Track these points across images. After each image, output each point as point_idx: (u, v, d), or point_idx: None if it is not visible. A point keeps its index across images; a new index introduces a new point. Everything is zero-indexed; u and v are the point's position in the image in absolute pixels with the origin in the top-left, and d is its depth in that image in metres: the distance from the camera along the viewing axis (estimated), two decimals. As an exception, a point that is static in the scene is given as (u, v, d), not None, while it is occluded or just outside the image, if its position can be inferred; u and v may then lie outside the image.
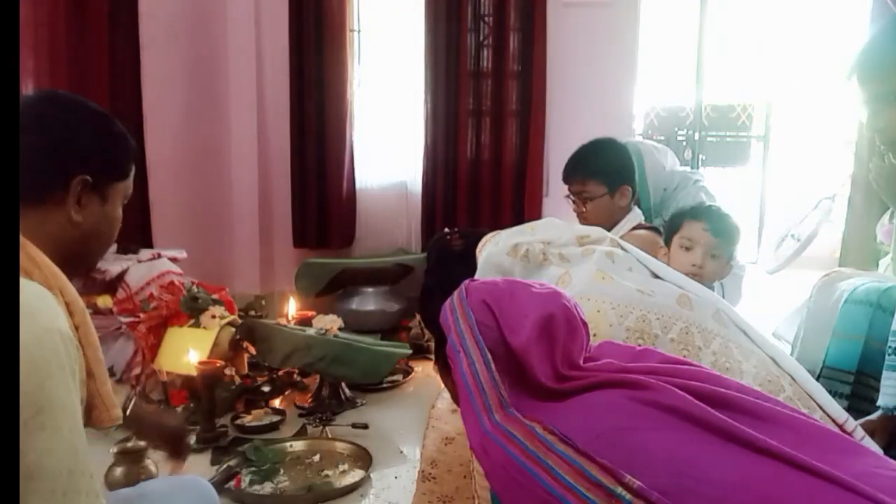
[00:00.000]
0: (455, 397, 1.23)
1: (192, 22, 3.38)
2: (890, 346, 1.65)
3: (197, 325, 2.45)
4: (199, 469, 1.94)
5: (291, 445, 2.09)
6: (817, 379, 1.74)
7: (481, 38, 3.40)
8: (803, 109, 5.79)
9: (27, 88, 2.77)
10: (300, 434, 2.19)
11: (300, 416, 2.33)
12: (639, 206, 2.37)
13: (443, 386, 1.40)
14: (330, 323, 2.47)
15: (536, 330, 1.07)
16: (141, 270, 2.66)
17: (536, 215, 3.29)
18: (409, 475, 1.93)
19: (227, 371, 2.40)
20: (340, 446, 2.09)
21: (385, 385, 2.62)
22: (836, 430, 1.23)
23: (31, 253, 0.93)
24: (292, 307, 2.81)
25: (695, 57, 3.99)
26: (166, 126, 3.31)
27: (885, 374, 1.65)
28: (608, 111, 3.37)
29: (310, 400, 2.43)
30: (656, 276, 1.62)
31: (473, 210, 3.47)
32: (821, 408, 1.39)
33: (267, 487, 1.87)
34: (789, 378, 1.44)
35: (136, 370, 2.42)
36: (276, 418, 2.30)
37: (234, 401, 2.39)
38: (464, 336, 1.11)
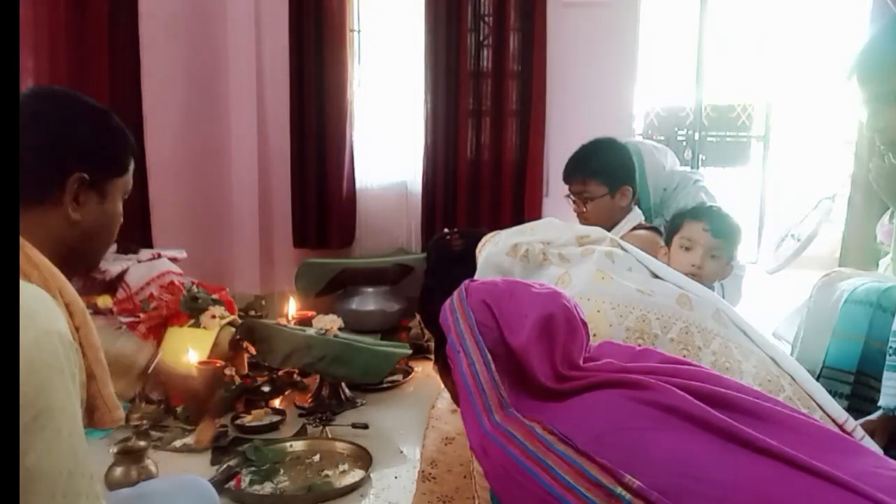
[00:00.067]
0: (455, 397, 1.23)
1: (192, 22, 3.38)
2: (891, 347, 1.65)
3: (197, 325, 2.45)
4: (199, 469, 1.94)
5: (291, 445, 2.09)
6: (817, 379, 1.74)
7: (481, 38, 3.40)
8: (803, 109, 5.79)
9: (27, 88, 2.77)
10: (300, 434, 2.19)
11: (300, 416, 2.33)
12: (639, 206, 2.37)
13: (443, 386, 1.40)
14: (330, 323, 2.47)
15: (536, 330, 1.07)
16: (141, 270, 2.66)
17: (536, 215, 3.29)
18: (409, 475, 1.93)
19: (227, 371, 2.40)
20: (340, 446, 2.09)
21: (385, 385, 2.62)
22: (836, 430, 1.23)
23: (29, 254, 0.92)
24: (292, 307, 2.81)
25: (695, 57, 3.99)
26: (166, 126, 3.31)
27: (886, 374, 1.65)
28: (608, 111, 3.37)
29: (310, 400, 2.43)
30: (656, 276, 1.62)
31: (473, 210, 3.47)
32: (821, 408, 1.39)
33: (267, 487, 1.87)
34: (789, 378, 1.44)
35: (136, 370, 2.42)
36: (276, 418, 2.30)
37: (234, 401, 2.39)
38: (463, 336, 1.11)
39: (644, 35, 3.48)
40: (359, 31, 3.63)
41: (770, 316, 2.63)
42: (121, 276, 2.60)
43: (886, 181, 1.82)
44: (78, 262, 1.06)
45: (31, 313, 0.78)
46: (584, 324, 1.17)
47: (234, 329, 2.46)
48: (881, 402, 1.65)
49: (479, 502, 1.55)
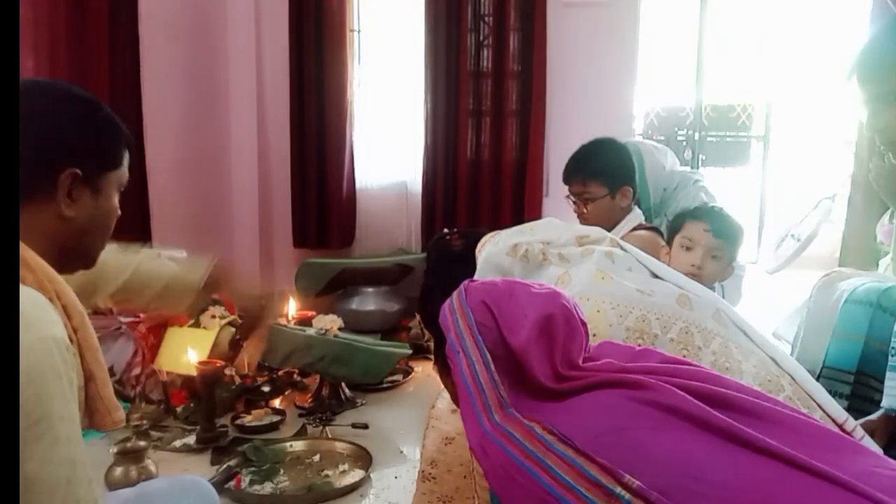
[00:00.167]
0: (454, 397, 1.23)
1: (192, 22, 3.38)
2: (893, 348, 1.65)
3: (197, 325, 2.45)
4: (199, 469, 1.94)
5: (291, 445, 2.09)
6: (817, 379, 1.74)
7: (481, 38, 3.40)
8: (803, 109, 5.79)
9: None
10: (300, 434, 2.19)
11: (300, 416, 2.33)
12: (639, 207, 2.37)
13: (443, 386, 1.40)
14: (330, 323, 2.46)
15: (536, 330, 1.07)
16: (141, 270, 2.65)
17: (536, 215, 3.29)
18: (409, 475, 1.93)
19: (227, 371, 2.40)
20: (340, 446, 2.09)
21: (385, 385, 2.62)
22: (836, 429, 1.23)
23: (24, 256, 0.90)
24: (292, 307, 2.81)
25: (695, 57, 3.99)
26: (166, 126, 3.31)
27: (888, 374, 1.65)
28: (608, 111, 3.37)
29: (310, 400, 2.43)
30: (656, 276, 1.62)
31: (473, 210, 3.47)
32: (821, 408, 1.39)
33: (267, 487, 1.87)
34: (789, 378, 1.44)
35: (136, 370, 2.42)
36: (276, 418, 2.30)
37: (234, 401, 2.39)
38: (463, 336, 1.11)
39: (644, 35, 3.48)
40: (359, 31, 3.63)
41: (770, 316, 2.63)
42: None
43: (886, 181, 1.82)
44: (74, 259, 1.04)
45: (28, 319, 0.78)
46: (584, 324, 1.17)
47: (234, 329, 2.46)
48: (884, 403, 1.65)
49: (478, 502, 1.55)
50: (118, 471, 1.77)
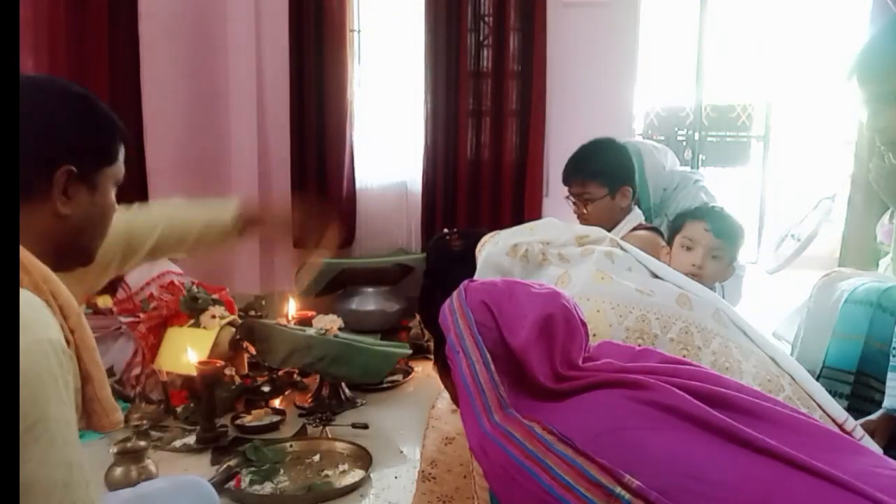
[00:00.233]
0: (454, 398, 1.23)
1: (192, 22, 3.38)
2: (894, 348, 1.65)
3: (197, 325, 2.45)
4: (199, 469, 1.94)
5: (291, 445, 2.09)
6: (817, 379, 1.74)
7: (481, 38, 3.40)
8: (803, 109, 5.79)
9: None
10: (300, 434, 2.19)
11: (300, 416, 2.33)
12: (639, 207, 2.37)
13: (443, 386, 1.40)
14: (330, 323, 2.46)
15: (535, 330, 1.07)
16: (141, 270, 2.65)
17: (536, 215, 3.29)
18: (409, 475, 1.93)
19: (227, 371, 2.40)
20: (340, 446, 2.09)
21: (385, 385, 2.62)
22: (836, 429, 1.23)
23: (20, 257, 0.88)
24: (292, 307, 2.81)
25: (695, 57, 3.99)
26: (166, 126, 3.31)
27: (889, 375, 1.64)
28: (608, 111, 3.36)
29: (310, 400, 2.43)
30: (656, 276, 1.62)
31: (473, 210, 3.47)
32: (821, 407, 1.39)
33: (267, 487, 1.87)
34: (789, 378, 1.44)
35: (136, 370, 2.42)
36: (276, 418, 2.30)
37: (234, 401, 2.39)
38: (463, 337, 1.11)
39: (644, 35, 3.47)
40: (359, 31, 3.63)
41: (770, 316, 2.63)
42: (121, 276, 2.60)
43: (886, 181, 1.82)
44: (72, 257, 1.03)
45: (23, 322, 0.77)
46: (584, 324, 1.17)
47: (234, 329, 2.46)
48: (885, 404, 1.64)
49: (478, 502, 1.55)
50: (118, 471, 1.77)
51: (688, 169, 3.13)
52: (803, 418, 1.05)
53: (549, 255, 1.65)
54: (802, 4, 5.52)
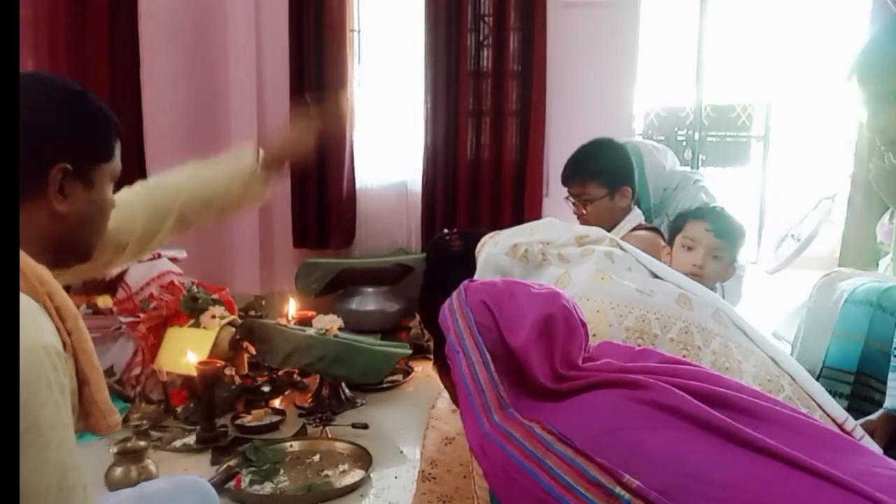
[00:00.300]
0: (454, 398, 1.23)
1: (192, 22, 3.38)
2: (895, 348, 1.65)
3: (197, 325, 2.45)
4: (199, 469, 1.94)
5: (291, 445, 2.09)
6: (817, 379, 1.74)
7: (481, 38, 3.40)
8: (803, 109, 5.79)
9: None
10: (300, 434, 2.19)
11: (300, 416, 2.33)
12: (639, 207, 2.37)
13: (443, 386, 1.40)
14: (330, 323, 2.47)
15: (535, 330, 1.07)
16: (141, 270, 2.66)
17: (536, 215, 3.29)
18: (409, 475, 1.93)
19: (227, 371, 2.40)
20: (340, 446, 2.09)
21: (385, 385, 2.62)
22: (836, 429, 1.23)
23: None
24: (292, 307, 2.81)
25: (695, 57, 3.99)
26: (166, 126, 3.31)
27: (890, 375, 1.64)
28: (608, 111, 3.37)
29: (310, 400, 2.43)
30: (655, 276, 1.62)
31: (473, 210, 3.47)
32: (820, 407, 1.39)
33: (267, 487, 1.87)
34: (789, 378, 1.44)
35: (136, 370, 2.42)
36: (276, 418, 2.30)
37: (234, 401, 2.39)
38: (463, 337, 1.11)
39: (644, 35, 3.48)
40: (359, 31, 3.63)
41: (770, 316, 2.63)
42: (121, 276, 2.60)
43: (886, 181, 1.82)
44: (69, 255, 1.02)
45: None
46: (584, 324, 1.17)
47: (234, 329, 2.46)
48: (887, 404, 1.64)
49: (478, 502, 1.55)
50: (118, 471, 1.77)
51: (688, 169, 3.13)
52: (803, 418, 1.05)
53: (548, 255, 1.65)
54: (802, 4, 5.52)
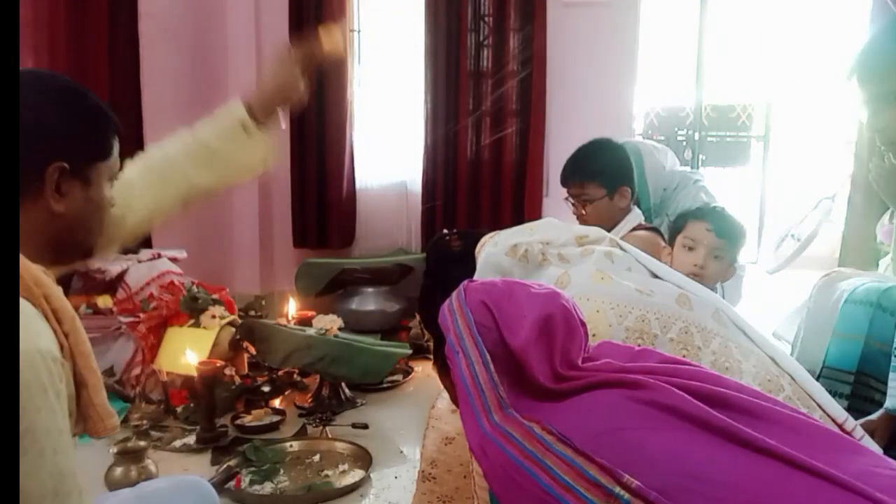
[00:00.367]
0: (454, 398, 1.23)
1: (192, 21, 3.38)
2: (895, 349, 1.65)
3: (197, 325, 2.45)
4: (199, 469, 1.94)
5: (291, 445, 2.09)
6: (817, 379, 1.74)
7: (481, 38, 3.40)
8: (803, 109, 5.79)
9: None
10: (300, 434, 2.19)
11: (300, 416, 2.33)
12: (638, 207, 2.36)
13: (443, 386, 1.40)
14: (330, 323, 2.47)
15: (535, 330, 1.07)
16: (141, 270, 2.66)
17: (536, 215, 3.29)
18: (409, 475, 1.93)
19: (227, 371, 2.40)
20: (340, 446, 2.09)
21: (385, 385, 2.62)
22: (836, 429, 1.23)
23: None
24: (292, 307, 2.81)
25: (695, 57, 3.99)
26: (166, 126, 3.26)
27: (891, 375, 1.64)
28: (608, 111, 3.37)
29: (310, 400, 2.43)
30: (655, 276, 1.62)
31: (473, 210, 3.47)
32: (820, 407, 1.39)
33: (267, 487, 1.87)
34: (789, 378, 1.44)
35: (136, 370, 2.42)
36: (276, 418, 2.30)
37: (234, 401, 2.39)
38: (462, 337, 1.11)
39: (644, 35, 3.48)
40: (359, 31, 3.63)
41: (770, 316, 2.63)
42: (121, 276, 2.60)
43: (886, 181, 1.82)
44: (68, 254, 1.01)
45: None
46: (583, 324, 1.17)
47: (234, 329, 2.46)
48: (887, 404, 1.64)
49: (478, 502, 1.55)
50: (118, 471, 1.77)
51: (688, 169, 3.14)
52: (803, 418, 1.05)
53: (548, 255, 1.65)
54: (802, 4, 5.52)
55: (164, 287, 2.61)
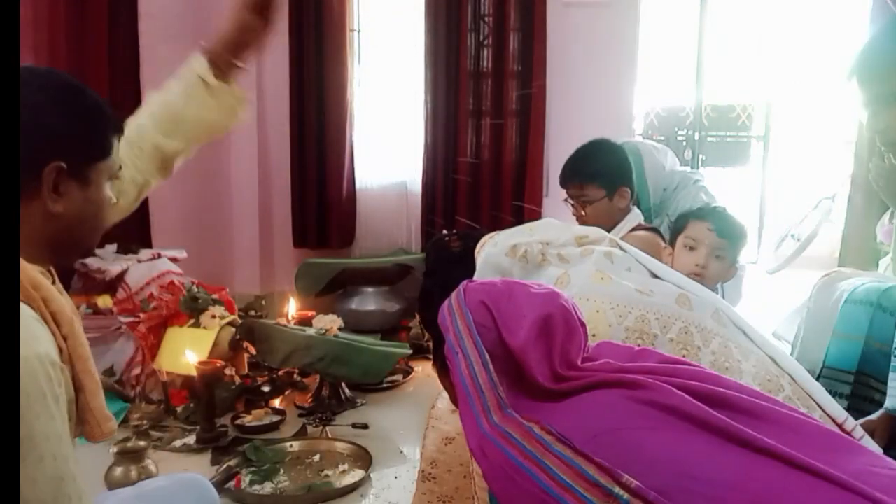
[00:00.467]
0: (453, 398, 1.23)
1: (192, 22, 3.38)
2: (895, 349, 1.65)
3: (197, 325, 2.46)
4: (199, 469, 1.94)
5: (291, 445, 2.09)
6: (817, 379, 1.74)
7: (481, 38, 3.40)
8: (803, 109, 5.79)
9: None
10: (300, 434, 2.19)
11: (300, 416, 2.33)
12: (638, 207, 2.36)
13: (442, 387, 1.40)
14: (330, 323, 2.47)
15: (534, 330, 1.07)
16: (141, 270, 2.66)
17: (536, 215, 3.29)
18: (409, 475, 1.93)
19: (227, 371, 2.41)
20: (340, 446, 2.09)
21: (385, 385, 2.62)
22: (836, 429, 1.23)
23: None
24: (292, 307, 2.81)
25: (695, 57, 3.99)
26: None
27: (891, 375, 1.64)
28: (608, 111, 3.37)
29: (310, 400, 2.43)
30: (655, 276, 1.61)
31: (473, 210, 3.47)
32: (820, 407, 1.39)
33: (267, 487, 1.87)
34: (789, 378, 1.44)
35: (136, 370, 2.42)
36: (276, 418, 2.30)
37: (234, 401, 2.39)
38: (462, 337, 1.11)
39: (644, 35, 3.48)
40: (359, 31, 3.63)
41: (770, 316, 2.63)
42: (121, 276, 2.60)
43: (886, 181, 1.81)
44: (68, 253, 1.00)
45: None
46: (583, 324, 1.16)
47: (234, 329, 2.46)
48: (887, 404, 1.64)
49: (478, 503, 1.55)
50: (118, 471, 1.77)
51: (688, 169, 3.13)
52: (802, 418, 1.05)
53: (548, 255, 1.65)
54: (802, 4, 5.52)
55: (164, 287, 2.61)
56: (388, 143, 3.72)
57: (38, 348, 0.81)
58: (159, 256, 2.81)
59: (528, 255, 1.65)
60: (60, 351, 0.87)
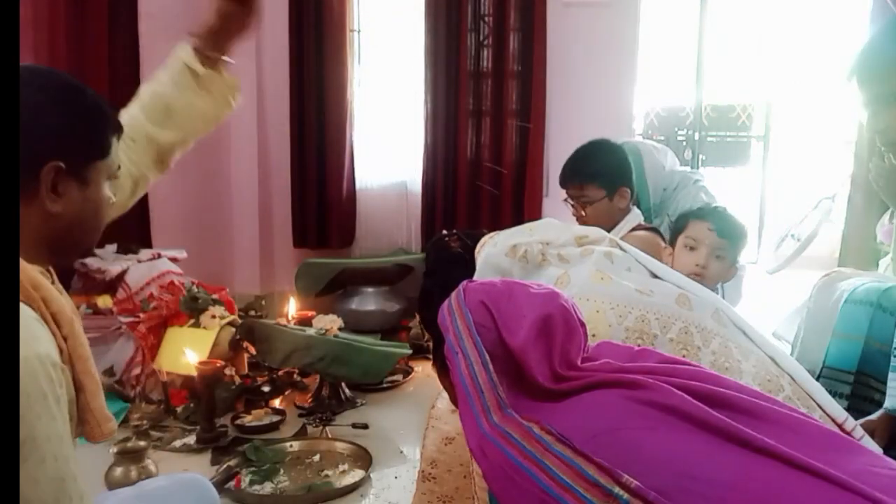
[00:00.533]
0: (453, 398, 1.23)
1: (193, 22, 3.36)
2: (895, 349, 1.65)
3: (197, 325, 2.46)
4: (199, 469, 1.94)
5: (291, 445, 2.09)
6: (817, 379, 1.74)
7: (481, 38, 3.40)
8: (803, 109, 5.79)
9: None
10: (300, 434, 2.19)
11: (300, 416, 2.33)
12: (638, 207, 2.36)
13: (442, 387, 1.40)
14: (330, 323, 2.47)
15: (534, 330, 1.07)
16: (141, 270, 2.66)
17: (536, 216, 3.29)
18: (409, 475, 1.93)
19: (227, 371, 2.41)
20: (340, 446, 2.09)
21: (385, 385, 2.62)
22: (836, 429, 1.23)
23: None
24: (292, 307, 2.81)
25: (695, 57, 4.00)
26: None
27: (891, 375, 1.64)
28: (608, 111, 3.37)
29: (310, 400, 2.43)
30: (655, 276, 1.61)
31: (473, 210, 3.47)
32: (820, 407, 1.39)
33: (267, 487, 1.87)
34: (789, 378, 1.44)
35: (136, 370, 2.42)
36: (276, 418, 2.30)
37: (234, 401, 2.39)
38: (462, 337, 1.11)
39: (644, 35, 3.48)
40: (359, 31, 3.63)
41: (770, 316, 2.63)
42: (121, 276, 2.60)
43: (886, 181, 1.81)
44: (67, 253, 0.99)
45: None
46: (583, 324, 1.16)
47: (234, 329, 2.46)
48: (887, 404, 1.64)
49: (478, 503, 1.55)
50: (118, 471, 1.77)
51: (688, 169, 3.13)
52: (802, 418, 1.05)
53: (548, 255, 1.65)
54: (802, 4, 5.52)
55: (164, 287, 2.61)
56: (388, 143, 3.72)
57: (38, 349, 0.81)
58: (159, 256, 2.81)
59: (528, 255, 1.65)
60: (61, 351, 0.87)
